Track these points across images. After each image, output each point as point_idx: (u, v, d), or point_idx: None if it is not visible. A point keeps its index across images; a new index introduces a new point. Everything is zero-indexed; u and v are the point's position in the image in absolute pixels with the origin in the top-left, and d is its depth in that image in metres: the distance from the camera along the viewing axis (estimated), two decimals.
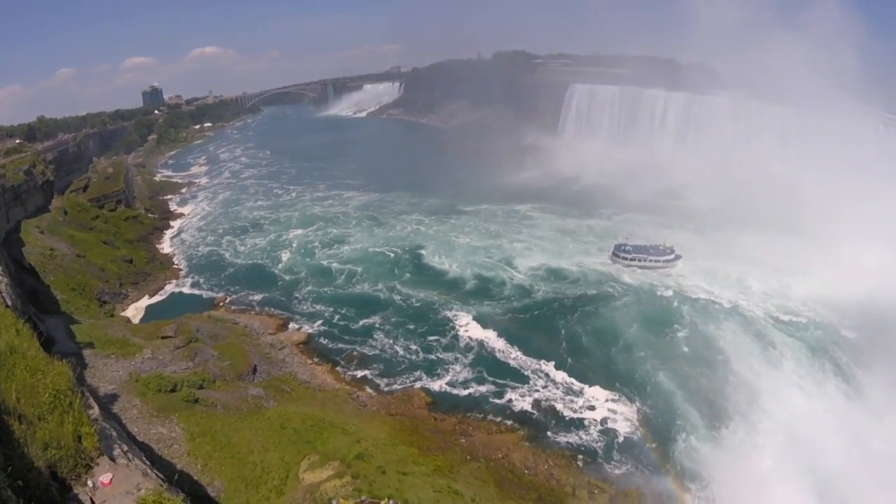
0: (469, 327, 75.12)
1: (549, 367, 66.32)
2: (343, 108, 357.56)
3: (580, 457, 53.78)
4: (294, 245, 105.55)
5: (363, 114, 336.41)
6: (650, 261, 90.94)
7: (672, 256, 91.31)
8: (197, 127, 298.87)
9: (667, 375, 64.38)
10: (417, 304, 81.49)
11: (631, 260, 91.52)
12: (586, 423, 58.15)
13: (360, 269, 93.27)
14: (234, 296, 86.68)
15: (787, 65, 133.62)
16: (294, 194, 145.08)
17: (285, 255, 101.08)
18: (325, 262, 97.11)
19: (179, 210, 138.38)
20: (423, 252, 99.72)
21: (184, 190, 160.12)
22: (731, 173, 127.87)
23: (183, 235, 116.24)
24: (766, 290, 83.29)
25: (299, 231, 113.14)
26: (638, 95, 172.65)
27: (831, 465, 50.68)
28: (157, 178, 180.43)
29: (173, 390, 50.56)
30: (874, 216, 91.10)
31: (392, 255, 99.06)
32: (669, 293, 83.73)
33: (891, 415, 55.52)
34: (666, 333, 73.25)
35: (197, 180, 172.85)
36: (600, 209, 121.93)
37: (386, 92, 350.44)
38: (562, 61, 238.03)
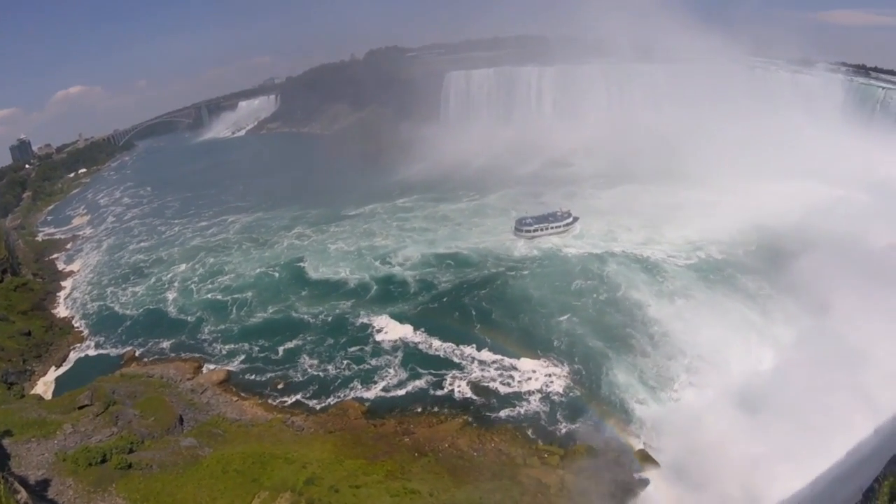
0: (388, 329, 74.80)
1: (471, 349, 68.12)
2: (221, 129, 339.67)
3: (525, 428, 55.75)
4: (177, 284, 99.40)
5: (242, 132, 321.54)
6: (552, 228, 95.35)
7: (571, 220, 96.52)
8: (72, 175, 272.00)
9: (583, 328, 69.09)
10: (330, 319, 79.59)
11: (534, 231, 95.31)
12: (523, 394, 60.26)
13: (249, 296, 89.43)
14: (141, 348, 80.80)
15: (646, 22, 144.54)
16: (177, 228, 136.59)
17: (171, 296, 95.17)
18: (210, 296, 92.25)
19: (68, 268, 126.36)
20: (303, 265, 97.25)
21: (69, 245, 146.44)
22: (611, 134, 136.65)
23: (76, 295, 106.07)
24: (654, 236, 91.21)
25: (182, 267, 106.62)
26: (513, 74, 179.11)
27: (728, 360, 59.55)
28: (40, 237, 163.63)
29: (104, 461, 47.41)
30: (751, 152, 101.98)
31: (276, 274, 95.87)
32: (568, 253, 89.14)
33: (780, 313, 65.79)
34: (572, 290, 78.17)
35: (80, 232, 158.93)
36: (492, 189, 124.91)
37: (262, 106, 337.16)
38: (435, 51, 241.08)
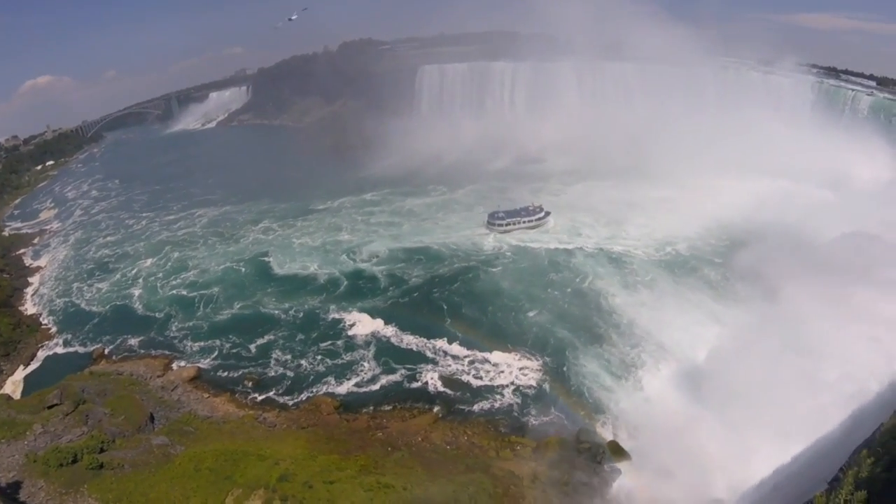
0: (360, 324, 74.69)
1: (443, 343, 68.73)
2: (190, 121, 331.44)
3: (497, 420, 56.54)
4: (141, 280, 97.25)
5: (212, 124, 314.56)
6: (524, 222, 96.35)
7: (543, 214, 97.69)
8: (39, 168, 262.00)
9: (552, 320, 70.61)
10: (301, 315, 78.98)
11: (507, 225, 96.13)
12: (495, 387, 60.97)
13: (216, 292, 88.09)
14: (110, 345, 79.08)
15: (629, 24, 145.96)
16: (144, 222, 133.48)
17: (137, 292, 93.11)
18: (175, 292, 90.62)
19: (36, 264, 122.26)
20: (268, 260, 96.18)
21: (36, 240, 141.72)
22: (582, 131, 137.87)
23: (43, 291, 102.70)
24: (622, 231, 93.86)
25: (148, 262, 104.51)
26: (486, 70, 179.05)
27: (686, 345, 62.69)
28: (6, 232, 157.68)
29: (75, 461, 46.85)
30: (721, 150, 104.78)
31: (242, 269, 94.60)
32: (537, 247, 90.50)
33: (740, 303, 69.22)
34: (541, 283, 79.66)
35: (48, 226, 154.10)
36: (463, 184, 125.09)
37: (233, 98, 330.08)
38: (409, 45, 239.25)
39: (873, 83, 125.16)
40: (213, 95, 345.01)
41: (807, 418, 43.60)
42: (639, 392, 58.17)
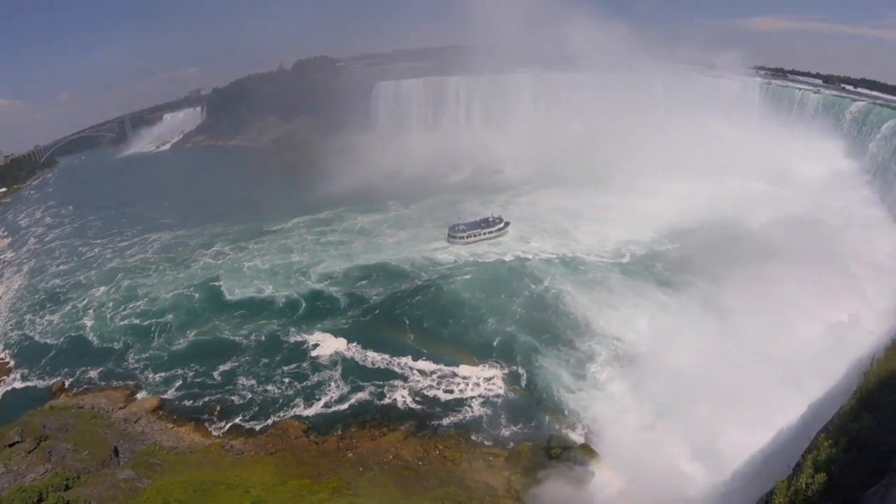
0: (323, 345, 73.99)
1: (408, 359, 68.63)
2: (145, 143, 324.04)
3: (468, 432, 56.66)
4: (92, 311, 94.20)
5: (167, 146, 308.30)
6: (484, 234, 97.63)
7: (502, 225, 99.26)
8: None
9: (515, 329, 71.67)
10: (262, 339, 77.60)
11: (467, 237, 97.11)
12: (464, 399, 61.18)
13: (170, 319, 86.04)
14: (69, 378, 76.36)
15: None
16: (97, 249, 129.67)
17: (89, 323, 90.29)
18: (127, 322, 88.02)
19: None
20: (218, 285, 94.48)
21: None
22: (538, 142, 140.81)
23: None
24: (577, 237, 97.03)
25: (99, 291, 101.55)
26: (441, 84, 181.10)
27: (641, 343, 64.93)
28: None
29: (41, 500, 44.83)
30: (671, 154, 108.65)
31: (196, 295, 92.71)
32: (496, 258, 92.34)
33: (684, 292, 73.15)
34: (501, 293, 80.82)
35: (2, 256, 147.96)
36: (420, 198, 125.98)
37: (188, 119, 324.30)
38: (365, 61, 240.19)
39: (820, 81, 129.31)
40: (168, 117, 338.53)
41: (756, 399, 45.52)
42: (599, 390, 59.48)
